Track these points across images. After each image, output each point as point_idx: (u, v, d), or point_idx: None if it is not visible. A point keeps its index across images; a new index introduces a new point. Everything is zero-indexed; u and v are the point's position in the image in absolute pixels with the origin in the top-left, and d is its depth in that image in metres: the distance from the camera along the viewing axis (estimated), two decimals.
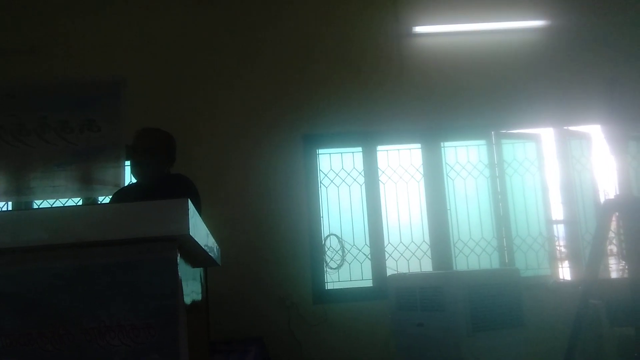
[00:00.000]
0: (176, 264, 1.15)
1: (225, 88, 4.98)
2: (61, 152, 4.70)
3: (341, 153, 5.08)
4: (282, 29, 5.11)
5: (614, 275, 5.23)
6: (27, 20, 4.96)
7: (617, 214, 3.79)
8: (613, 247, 5.21)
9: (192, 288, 1.54)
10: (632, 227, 3.63)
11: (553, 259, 5.14)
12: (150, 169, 3.06)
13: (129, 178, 4.50)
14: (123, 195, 3.44)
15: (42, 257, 1.13)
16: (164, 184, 3.05)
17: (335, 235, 4.95)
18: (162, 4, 5.04)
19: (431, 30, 5.18)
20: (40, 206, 4.74)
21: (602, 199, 5.10)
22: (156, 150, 3.07)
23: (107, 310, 1.11)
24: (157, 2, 5.05)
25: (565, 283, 5.06)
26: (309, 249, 4.82)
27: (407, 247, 4.99)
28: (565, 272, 5.17)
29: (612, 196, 3.86)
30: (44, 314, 1.10)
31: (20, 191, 4.68)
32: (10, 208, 4.75)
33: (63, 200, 4.73)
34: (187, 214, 1.13)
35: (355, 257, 4.93)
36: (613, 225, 4.17)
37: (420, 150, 5.15)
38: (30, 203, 4.75)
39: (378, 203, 5.02)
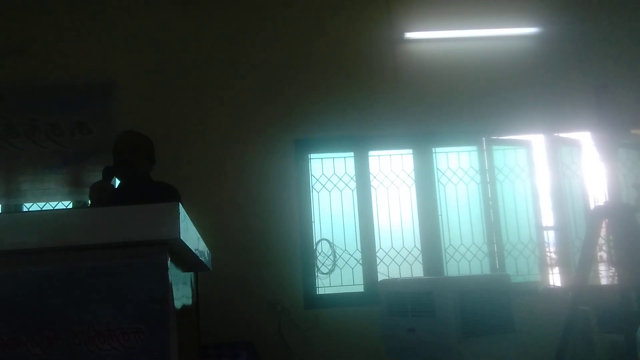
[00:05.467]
0: (166, 268, 1.14)
1: (217, 92, 4.96)
2: (51, 154, 4.69)
3: (333, 158, 5.08)
4: (274, 33, 5.10)
5: (603, 281, 5.25)
6: (15, 20, 4.92)
7: (606, 220, 3.81)
8: (603, 254, 5.23)
9: (182, 292, 1.54)
10: (622, 233, 3.65)
11: (543, 265, 5.16)
12: (134, 168, 3.07)
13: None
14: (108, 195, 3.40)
15: (31, 260, 1.12)
16: (149, 190, 3.05)
17: (326, 240, 4.94)
18: (153, 7, 5.01)
19: (424, 36, 5.19)
20: (30, 209, 4.71)
21: (592, 206, 5.12)
22: (141, 149, 3.13)
23: (96, 315, 1.10)
24: (148, 5, 5.03)
25: (555, 289, 5.07)
26: (301, 254, 4.80)
27: (399, 253, 4.99)
28: (555, 278, 5.18)
29: (601, 203, 3.88)
30: (33, 318, 1.09)
31: (10, 194, 4.65)
32: None
33: (53, 204, 4.70)
34: (178, 218, 1.13)
35: (346, 262, 4.92)
36: (603, 231, 4.19)
37: (411, 155, 5.15)
38: (20, 206, 4.72)
39: (369, 208, 5.02)
